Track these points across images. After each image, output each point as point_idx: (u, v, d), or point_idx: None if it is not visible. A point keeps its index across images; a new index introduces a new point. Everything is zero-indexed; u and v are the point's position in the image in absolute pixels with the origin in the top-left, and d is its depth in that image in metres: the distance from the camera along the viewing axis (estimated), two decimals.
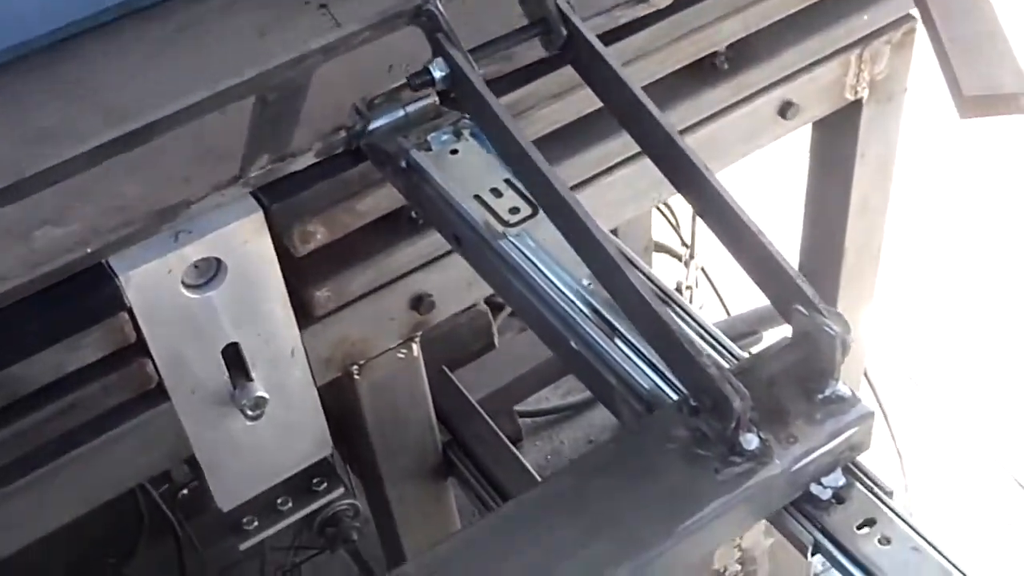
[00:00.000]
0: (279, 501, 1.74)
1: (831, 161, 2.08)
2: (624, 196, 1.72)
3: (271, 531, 1.73)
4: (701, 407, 1.01)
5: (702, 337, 1.15)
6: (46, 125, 1.42)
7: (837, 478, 1.02)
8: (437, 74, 1.25)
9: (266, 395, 1.51)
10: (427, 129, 1.35)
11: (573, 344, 1.14)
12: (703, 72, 1.71)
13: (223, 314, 1.43)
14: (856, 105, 1.93)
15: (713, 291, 3.23)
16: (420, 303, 1.60)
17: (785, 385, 1.04)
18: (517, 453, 1.94)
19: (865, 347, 2.53)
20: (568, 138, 1.60)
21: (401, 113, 1.39)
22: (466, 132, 1.34)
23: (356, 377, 1.63)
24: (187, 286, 1.38)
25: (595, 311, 1.14)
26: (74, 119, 1.43)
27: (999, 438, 3.31)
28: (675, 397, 1.07)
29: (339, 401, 1.69)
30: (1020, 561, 3.06)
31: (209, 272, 1.40)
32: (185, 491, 2.24)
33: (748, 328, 3.10)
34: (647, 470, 0.99)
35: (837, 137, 2.01)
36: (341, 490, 1.76)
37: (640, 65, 1.60)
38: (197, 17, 1.59)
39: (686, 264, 3.22)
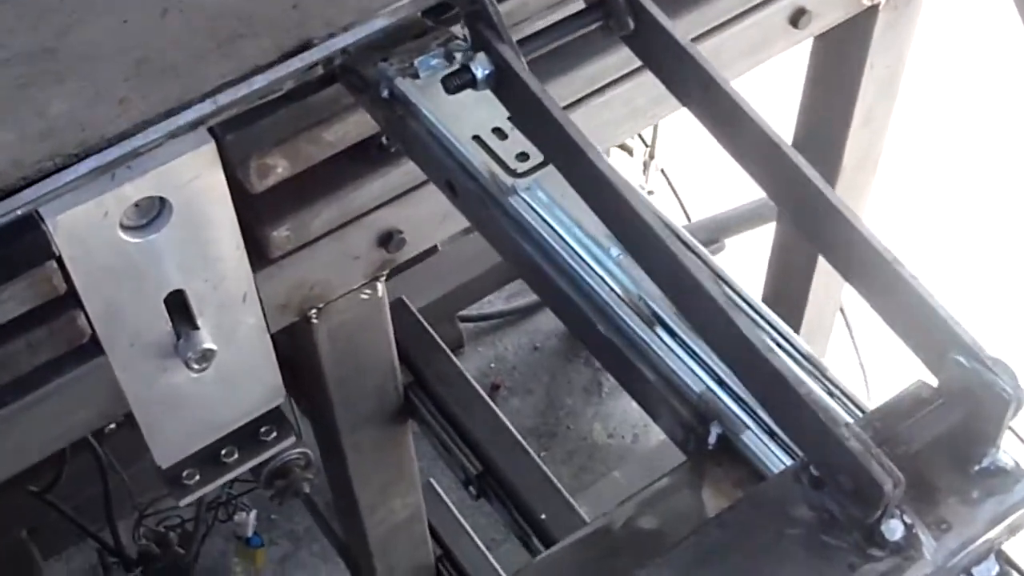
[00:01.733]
0: (223, 452, 1.53)
1: (834, 72, 1.89)
2: (620, 115, 1.52)
3: (213, 486, 1.54)
4: (828, 481, 0.81)
5: (809, 372, 0.93)
6: None
7: (990, 567, 0.83)
8: (480, 73, 1.01)
9: (214, 347, 1.31)
10: (412, 50, 1.13)
11: (602, 330, 0.95)
12: None
13: (167, 259, 1.22)
14: (871, 12, 1.73)
15: (673, 195, 3.04)
16: (389, 240, 1.40)
17: (934, 453, 0.83)
18: (483, 394, 1.76)
19: None
20: (563, 55, 1.39)
21: (379, 26, 1.17)
22: (459, 55, 1.12)
23: (314, 322, 1.43)
24: (126, 228, 1.17)
25: (629, 291, 0.95)
26: None
27: None
28: (732, 405, 0.88)
29: (293, 345, 1.50)
30: None
31: (151, 212, 1.18)
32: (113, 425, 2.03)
33: (710, 236, 2.93)
34: (762, 566, 0.79)
35: (844, 46, 1.82)
36: (292, 439, 1.56)
37: None
38: None
39: (645, 166, 3.03)
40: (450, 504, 2.26)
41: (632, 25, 1.04)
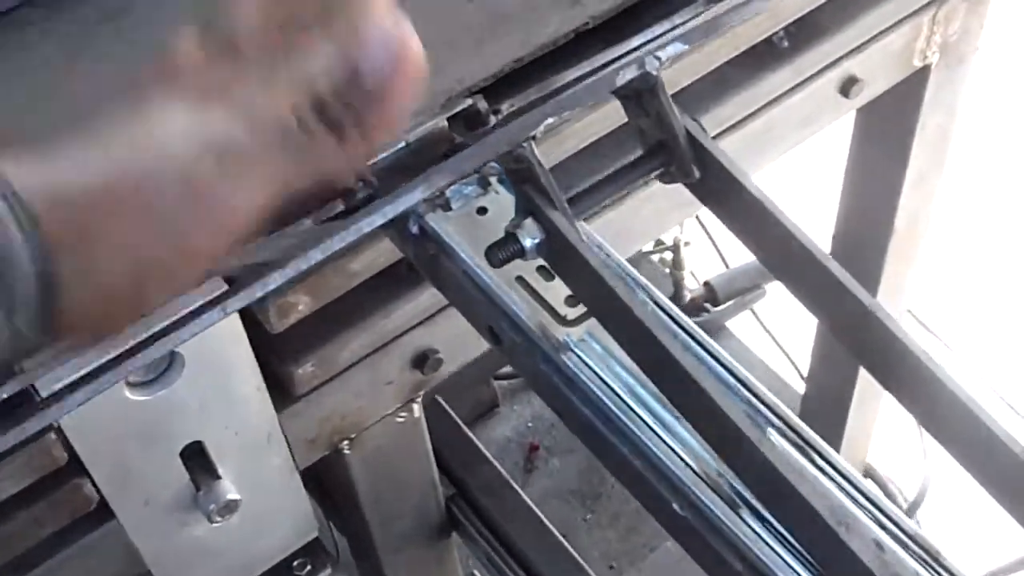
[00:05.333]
0: None
1: (884, 134, 1.77)
2: (665, 206, 1.41)
3: None
4: None
5: (908, 550, 0.81)
6: None
7: None
8: (528, 242, 0.90)
9: (238, 496, 1.20)
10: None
11: (677, 508, 0.83)
12: (760, 53, 1.38)
13: (181, 413, 1.11)
14: (923, 72, 1.62)
15: (710, 241, 2.93)
16: (424, 361, 1.29)
17: None
18: (529, 503, 1.64)
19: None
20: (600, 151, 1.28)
21: (402, 144, 1.06)
22: (495, 180, 1.01)
23: (346, 453, 1.31)
24: (133, 386, 1.06)
25: (707, 465, 0.83)
26: None
27: (1016, 390, 3.06)
28: None
29: (325, 474, 1.38)
30: None
31: (161, 366, 1.07)
32: None
33: (750, 282, 2.82)
34: None
35: (895, 109, 1.70)
36: (328, 571, 1.44)
37: (694, 57, 1.27)
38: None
39: None
40: None
41: (698, 173, 0.93)
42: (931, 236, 2.02)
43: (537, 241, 0.89)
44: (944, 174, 1.86)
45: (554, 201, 0.89)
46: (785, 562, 0.79)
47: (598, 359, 0.90)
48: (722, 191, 0.94)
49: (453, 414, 1.70)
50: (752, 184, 0.92)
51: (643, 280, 0.96)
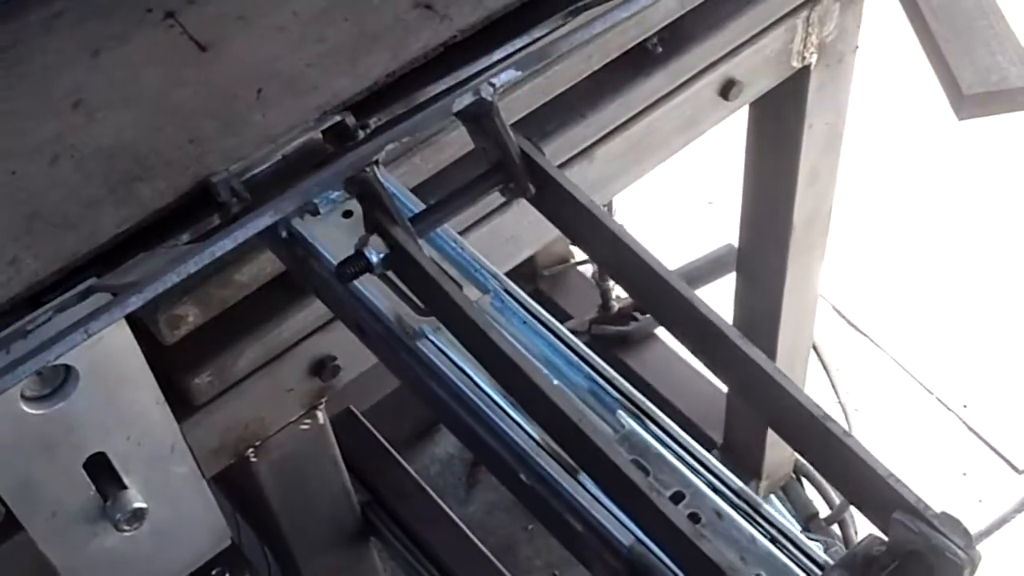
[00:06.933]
0: None
1: (774, 135, 1.84)
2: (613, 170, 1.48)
3: None
4: None
5: (755, 523, 0.87)
6: None
7: None
8: (374, 257, 0.96)
9: (144, 504, 1.24)
10: (312, 184, 1.08)
11: (524, 478, 0.89)
12: (635, 59, 1.45)
13: (81, 425, 1.15)
14: (803, 72, 1.69)
15: None
16: (322, 368, 1.34)
17: None
18: (443, 505, 1.69)
19: (816, 310, 2.31)
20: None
21: (279, 157, 1.12)
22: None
23: (252, 460, 1.37)
24: (29, 400, 1.10)
25: (547, 437, 0.89)
26: None
27: (944, 385, 3.14)
28: (664, 558, 0.82)
29: (239, 483, 1.43)
30: (966, 512, 2.91)
31: (56, 380, 1.12)
32: None
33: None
34: None
35: (780, 110, 1.77)
36: None
37: (563, 65, 1.33)
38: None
39: None
40: None
41: (533, 189, 1.00)
42: (834, 231, 2.09)
43: (383, 256, 0.95)
44: (837, 172, 1.93)
45: (395, 218, 0.95)
46: (620, 521, 0.85)
47: (451, 347, 0.95)
48: (556, 203, 1.02)
49: (366, 422, 1.76)
50: (583, 195, 1.00)
51: (499, 273, 1.02)
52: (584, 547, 0.86)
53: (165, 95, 1.22)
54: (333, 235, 1.04)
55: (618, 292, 2.89)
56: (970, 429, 3.06)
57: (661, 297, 0.93)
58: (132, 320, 1.13)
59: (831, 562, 0.83)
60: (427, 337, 0.96)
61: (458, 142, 1.29)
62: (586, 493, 0.86)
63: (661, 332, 2.86)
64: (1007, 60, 1.08)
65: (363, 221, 0.98)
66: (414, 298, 0.99)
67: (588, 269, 2.91)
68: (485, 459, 0.93)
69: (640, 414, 0.95)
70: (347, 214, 1.06)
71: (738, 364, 0.88)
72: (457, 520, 1.69)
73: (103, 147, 1.18)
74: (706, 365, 0.94)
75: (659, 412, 0.96)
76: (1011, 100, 1.07)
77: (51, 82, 1.24)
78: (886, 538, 0.79)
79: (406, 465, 1.71)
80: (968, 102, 1.07)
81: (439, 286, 0.90)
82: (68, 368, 1.11)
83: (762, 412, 0.88)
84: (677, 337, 0.96)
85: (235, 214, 1.08)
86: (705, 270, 2.73)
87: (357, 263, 0.95)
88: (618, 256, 0.97)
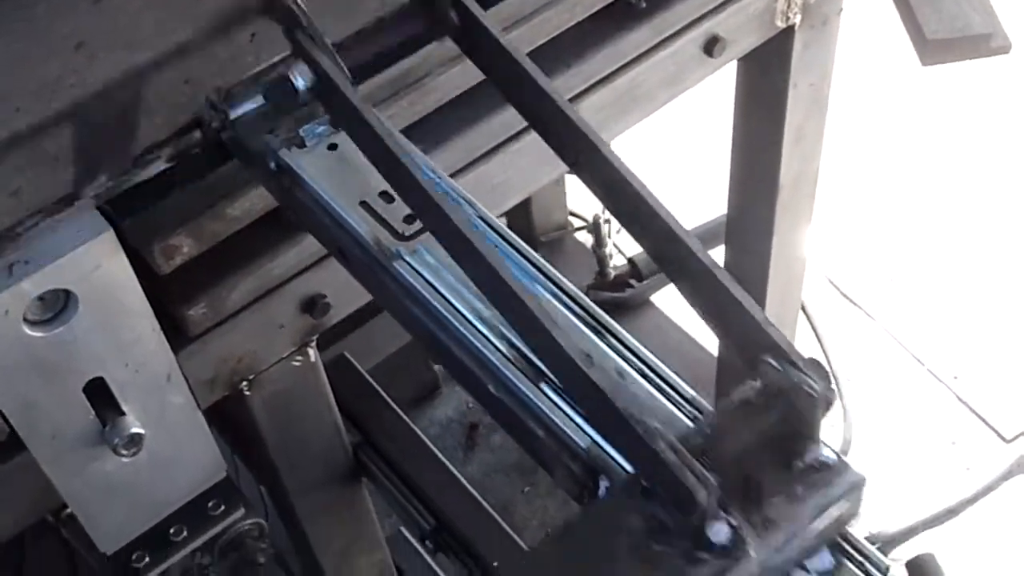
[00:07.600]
0: (171, 531, 1.52)
1: (760, 94, 1.88)
2: (539, 160, 1.52)
3: (164, 566, 1.52)
4: (656, 492, 0.81)
5: (645, 377, 0.94)
6: None
7: (824, 560, 0.83)
8: (300, 83, 1.02)
9: (141, 430, 1.31)
10: (299, 119, 1.13)
11: (491, 389, 0.94)
12: (618, 14, 1.50)
13: (80, 350, 1.21)
14: (787, 33, 1.73)
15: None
16: (313, 306, 1.39)
17: (757, 454, 0.83)
18: (434, 449, 1.75)
19: (804, 274, 2.36)
20: (471, 104, 1.39)
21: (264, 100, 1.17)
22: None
23: (247, 393, 1.42)
24: (31, 323, 1.16)
25: (515, 348, 0.94)
26: None
27: (935, 357, 3.19)
28: (617, 457, 0.88)
29: (233, 415, 1.49)
30: (953, 480, 2.96)
31: (57, 305, 1.18)
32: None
33: None
34: (589, 573, 0.80)
35: (766, 69, 1.82)
36: (241, 511, 1.55)
37: (547, 14, 1.39)
38: None
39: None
40: (423, 552, 2.24)
41: (456, 20, 1.04)
42: (828, 203, 2.14)
43: (308, 83, 1.01)
44: (823, 134, 1.98)
45: (320, 43, 1.00)
46: (577, 425, 0.90)
47: (428, 269, 1.01)
48: (475, 41, 1.07)
49: (358, 366, 1.81)
50: (506, 40, 1.04)
51: (474, 201, 1.07)
52: (546, 452, 0.92)
53: (163, 38, 1.26)
54: (318, 164, 1.09)
55: (615, 260, 2.95)
56: (960, 400, 3.11)
57: (579, 147, 0.99)
58: (129, 251, 1.19)
59: (711, 409, 0.89)
60: (403, 258, 1.01)
61: (446, 86, 1.35)
62: (548, 400, 0.92)
63: (656, 299, 2.92)
64: (971, 8, 1.13)
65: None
66: (393, 225, 1.05)
67: (586, 237, 2.97)
68: (458, 374, 0.98)
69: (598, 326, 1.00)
70: (332, 147, 1.11)
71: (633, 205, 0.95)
72: (446, 462, 1.75)
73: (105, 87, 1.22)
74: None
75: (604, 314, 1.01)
76: (974, 46, 1.12)
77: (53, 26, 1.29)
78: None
79: (397, 409, 1.76)
80: (932, 47, 1.12)
81: (365, 120, 0.96)
82: (68, 293, 1.17)
83: (646, 240, 0.95)
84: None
85: (215, 128, 1.14)
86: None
87: (283, 87, 1.01)
88: (534, 100, 1.02)
